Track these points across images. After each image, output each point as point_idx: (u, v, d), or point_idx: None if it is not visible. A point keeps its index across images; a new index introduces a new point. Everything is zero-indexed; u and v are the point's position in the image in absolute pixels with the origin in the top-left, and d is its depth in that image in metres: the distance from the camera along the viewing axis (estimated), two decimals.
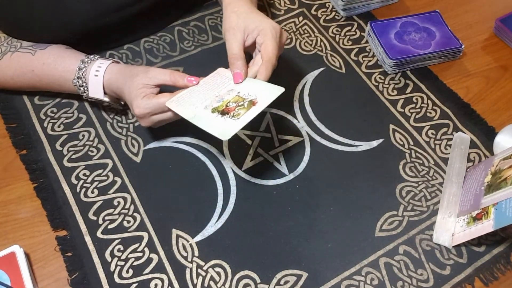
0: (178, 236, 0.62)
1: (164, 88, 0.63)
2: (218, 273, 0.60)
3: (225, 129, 0.56)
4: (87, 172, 0.67)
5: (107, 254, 0.60)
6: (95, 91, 0.66)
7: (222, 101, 0.60)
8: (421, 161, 0.71)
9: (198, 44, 0.81)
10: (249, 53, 0.66)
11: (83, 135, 0.70)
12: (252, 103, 0.59)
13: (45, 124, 0.71)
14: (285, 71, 0.80)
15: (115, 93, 0.66)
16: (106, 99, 0.67)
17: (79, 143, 0.69)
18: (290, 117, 0.74)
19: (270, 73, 0.61)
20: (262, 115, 0.74)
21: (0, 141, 0.69)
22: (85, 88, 0.66)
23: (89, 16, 0.67)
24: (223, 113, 0.58)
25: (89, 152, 0.68)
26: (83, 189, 0.65)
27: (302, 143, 0.72)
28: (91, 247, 0.61)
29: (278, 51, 0.63)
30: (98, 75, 0.64)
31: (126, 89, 0.62)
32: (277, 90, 0.59)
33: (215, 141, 0.71)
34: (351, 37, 0.85)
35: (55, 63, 0.66)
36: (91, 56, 0.66)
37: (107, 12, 0.68)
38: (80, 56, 0.67)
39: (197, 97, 0.61)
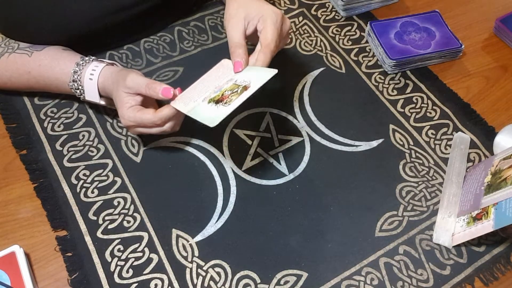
0: (178, 236, 0.62)
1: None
2: (218, 273, 0.60)
3: (214, 116, 0.55)
4: (87, 172, 0.67)
5: (107, 254, 0.60)
6: (91, 95, 0.65)
7: (219, 91, 0.60)
8: (421, 161, 0.71)
9: (198, 44, 0.81)
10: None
11: (83, 135, 0.70)
12: (244, 88, 0.58)
13: (45, 124, 0.71)
14: (285, 71, 0.80)
15: (110, 97, 0.65)
16: (102, 102, 0.66)
17: (79, 143, 0.69)
18: (290, 117, 0.74)
19: (269, 60, 0.60)
20: (262, 115, 0.74)
21: (0, 141, 0.69)
22: (81, 91, 0.66)
23: (88, 19, 0.67)
24: (218, 101, 0.58)
25: (89, 152, 0.68)
26: (83, 189, 0.65)
27: (302, 143, 0.72)
28: (91, 247, 0.61)
29: (278, 37, 0.61)
30: (93, 78, 0.64)
31: (113, 95, 0.62)
32: (269, 72, 0.58)
33: (215, 141, 0.71)
34: (351, 37, 0.85)
35: (51, 65, 0.66)
36: (86, 58, 0.66)
37: (106, 15, 0.68)
38: (75, 58, 0.66)
39: (199, 91, 0.61)
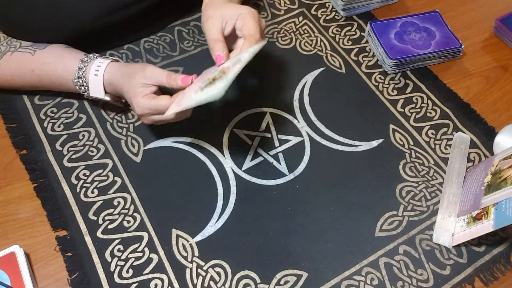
0: (178, 236, 0.62)
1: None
2: (218, 273, 0.60)
3: (217, 91, 0.56)
4: (87, 172, 0.67)
5: (107, 254, 0.60)
6: (96, 91, 0.66)
7: (210, 78, 0.60)
8: (421, 161, 0.71)
9: (198, 44, 0.81)
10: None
11: (83, 135, 0.70)
12: (237, 61, 0.58)
13: (45, 124, 0.71)
14: (285, 71, 0.80)
15: (115, 92, 0.66)
16: (107, 98, 0.67)
17: (79, 143, 0.69)
18: (290, 117, 0.74)
19: None
20: (262, 115, 0.74)
21: (0, 141, 0.69)
22: (86, 88, 0.66)
23: (89, 17, 0.67)
24: (212, 83, 0.58)
25: (89, 152, 0.68)
26: (83, 189, 0.65)
27: (302, 143, 0.72)
28: (91, 247, 0.61)
29: (259, 31, 0.62)
30: (98, 74, 0.64)
31: (125, 87, 0.63)
32: (259, 44, 0.58)
33: (215, 141, 0.71)
34: (351, 37, 0.85)
35: (55, 63, 0.66)
36: (91, 55, 0.66)
37: (107, 13, 0.68)
38: (79, 55, 0.67)
39: (191, 89, 0.61)
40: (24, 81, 0.68)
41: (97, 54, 0.67)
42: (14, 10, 0.64)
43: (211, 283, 0.59)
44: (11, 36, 0.68)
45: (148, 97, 0.61)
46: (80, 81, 0.65)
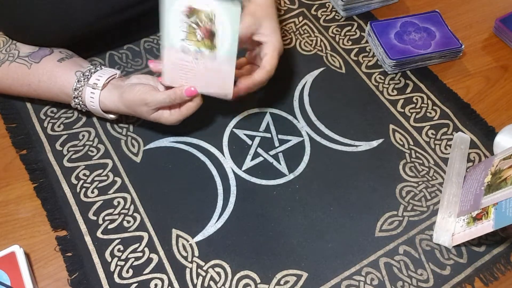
0: (178, 236, 0.62)
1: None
2: (218, 273, 0.60)
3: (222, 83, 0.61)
4: (87, 172, 0.67)
5: (107, 254, 0.60)
6: (98, 114, 0.67)
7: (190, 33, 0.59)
8: (421, 161, 0.71)
9: None
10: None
11: (83, 135, 0.70)
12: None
13: (45, 124, 0.71)
14: (285, 71, 0.80)
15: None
16: (112, 116, 0.68)
17: (79, 143, 0.69)
18: (290, 117, 0.74)
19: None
20: (262, 115, 0.74)
21: (0, 141, 0.69)
22: (86, 109, 0.67)
23: (91, 18, 0.67)
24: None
25: (89, 152, 0.68)
26: (83, 189, 0.65)
27: (302, 143, 0.72)
28: (91, 247, 0.61)
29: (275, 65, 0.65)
30: (94, 105, 0.65)
31: (133, 114, 0.65)
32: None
33: (215, 141, 0.71)
34: (351, 37, 0.85)
35: (50, 82, 0.65)
36: (81, 82, 0.64)
37: (109, 14, 0.68)
38: (72, 76, 0.65)
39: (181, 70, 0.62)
40: (22, 93, 0.68)
41: (88, 74, 0.65)
42: (15, 11, 0.64)
43: (211, 283, 0.59)
44: (12, 37, 0.67)
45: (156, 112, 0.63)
46: (79, 106, 0.66)
